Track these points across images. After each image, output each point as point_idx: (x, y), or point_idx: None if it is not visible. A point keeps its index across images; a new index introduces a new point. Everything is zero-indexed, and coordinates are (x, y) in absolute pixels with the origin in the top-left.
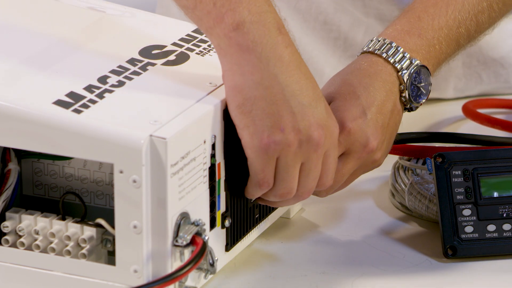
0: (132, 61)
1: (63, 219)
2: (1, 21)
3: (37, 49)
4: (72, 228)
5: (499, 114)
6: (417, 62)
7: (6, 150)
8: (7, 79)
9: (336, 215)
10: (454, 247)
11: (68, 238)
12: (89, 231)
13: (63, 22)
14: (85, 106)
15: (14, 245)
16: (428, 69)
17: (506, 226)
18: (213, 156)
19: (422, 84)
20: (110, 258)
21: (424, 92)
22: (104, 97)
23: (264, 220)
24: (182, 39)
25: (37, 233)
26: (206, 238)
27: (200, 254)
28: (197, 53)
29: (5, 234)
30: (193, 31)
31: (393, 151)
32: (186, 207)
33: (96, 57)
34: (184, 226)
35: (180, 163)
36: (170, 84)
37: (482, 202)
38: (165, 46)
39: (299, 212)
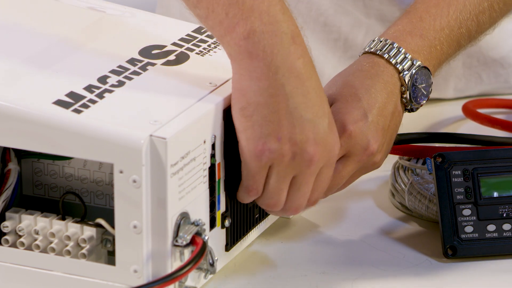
0: (132, 61)
1: (63, 219)
2: (1, 21)
3: (37, 49)
4: (72, 228)
5: (499, 114)
6: (419, 63)
7: (6, 150)
8: (7, 79)
9: (336, 215)
10: (454, 247)
11: (68, 238)
12: (89, 231)
13: (63, 22)
14: (85, 106)
15: (14, 245)
16: (429, 70)
17: (506, 226)
18: (213, 156)
19: (423, 85)
20: (110, 258)
21: (425, 93)
22: (104, 97)
23: (264, 220)
24: (182, 39)
25: (37, 233)
26: (206, 238)
27: (200, 254)
28: (197, 53)
29: (5, 234)
30: (193, 31)
31: (393, 151)
32: (186, 207)
33: (96, 57)
34: (184, 226)
35: (180, 163)
36: (170, 84)
37: (482, 202)
38: (165, 46)
39: None
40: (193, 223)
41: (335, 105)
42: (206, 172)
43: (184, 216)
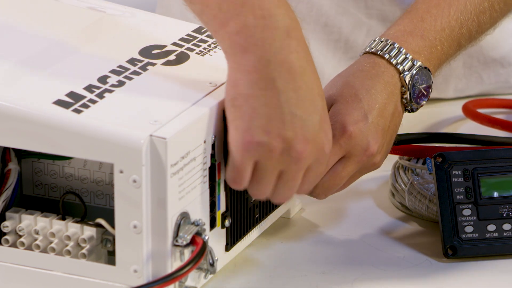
0: (132, 61)
1: (63, 219)
2: (1, 21)
3: (37, 49)
4: (72, 228)
5: (499, 114)
6: (419, 63)
7: (6, 150)
8: (7, 79)
9: (336, 215)
10: (454, 247)
11: (68, 238)
12: (89, 231)
13: (63, 22)
14: (85, 106)
15: (14, 245)
16: (429, 71)
17: (506, 226)
18: (213, 156)
19: (424, 85)
20: (110, 258)
21: (425, 93)
22: (104, 97)
23: (264, 220)
24: (182, 39)
25: (37, 233)
26: (206, 238)
27: (200, 254)
28: (197, 53)
29: (5, 234)
30: (193, 31)
31: (393, 151)
32: (186, 207)
33: (96, 57)
34: (184, 226)
35: (180, 163)
36: (170, 84)
37: (482, 202)
38: (165, 46)
39: (299, 212)
40: (193, 223)
41: (335, 105)
42: (206, 172)
43: (184, 216)
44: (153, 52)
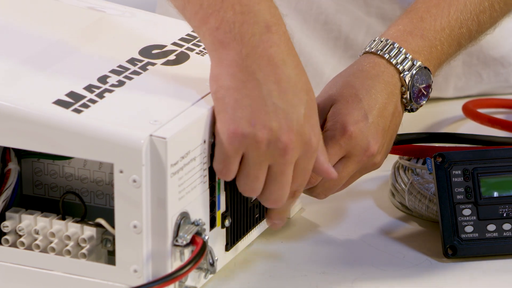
0: (132, 61)
1: (63, 219)
2: (1, 21)
3: (37, 49)
4: (72, 228)
5: (499, 114)
6: (419, 63)
7: (6, 150)
8: (7, 79)
9: (336, 215)
10: (454, 247)
11: (68, 238)
12: (89, 231)
13: (63, 22)
14: (85, 106)
15: (14, 245)
16: (429, 70)
17: (506, 226)
18: (213, 156)
19: (423, 85)
20: (110, 258)
21: (425, 93)
22: (104, 96)
23: (264, 220)
24: (182, 39)
25: (37, 233)
26: (206, 238)
27: (200, 254)
28: (197, 53)
29: (5, 234)
30: (193, 31)
31: (393, 151)
32: (186, 207)
33: (96, 56)
34: (184, 226)
35: (180, 163)
36: (170, 84)
37: (482, 202)
38: (165, 46)
39: (299, 212)
40: (193, 223)
41: (336, 105)
42: (206, 172)
43: (184, 216)
44: (153, 52)
